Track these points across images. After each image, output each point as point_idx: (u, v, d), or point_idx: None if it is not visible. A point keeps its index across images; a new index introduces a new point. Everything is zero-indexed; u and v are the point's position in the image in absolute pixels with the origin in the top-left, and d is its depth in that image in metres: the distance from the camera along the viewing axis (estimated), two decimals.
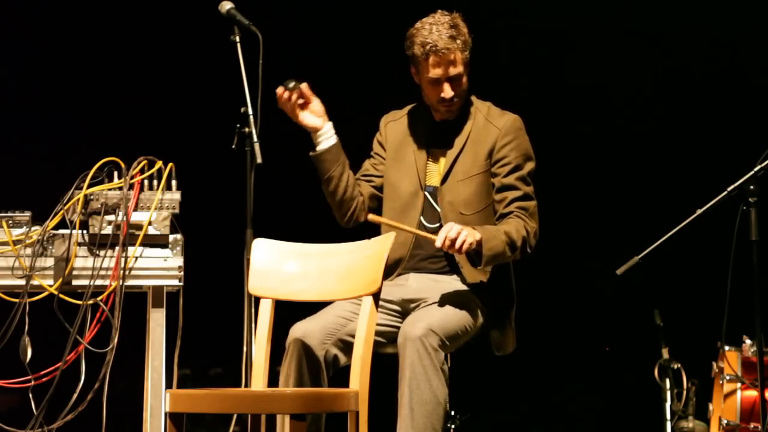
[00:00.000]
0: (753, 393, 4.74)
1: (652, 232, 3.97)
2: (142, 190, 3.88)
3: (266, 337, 3.50)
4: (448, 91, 3.92)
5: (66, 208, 3.84)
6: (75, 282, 3.83)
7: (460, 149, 3.97)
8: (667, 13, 6.02)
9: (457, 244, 3.68)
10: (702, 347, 5.19)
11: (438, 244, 3.70)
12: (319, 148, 3.99)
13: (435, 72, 3.91)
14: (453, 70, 3.90)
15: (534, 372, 5.83)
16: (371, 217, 3.85)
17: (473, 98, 4.05)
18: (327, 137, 3.98)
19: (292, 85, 3.90)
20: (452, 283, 3.90)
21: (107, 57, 5.79)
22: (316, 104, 3.96)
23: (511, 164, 3.94)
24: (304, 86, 3.93)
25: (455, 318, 3.73)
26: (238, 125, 3.80)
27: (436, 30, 3.88)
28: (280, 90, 3.91)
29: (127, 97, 5.77)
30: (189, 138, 5.59)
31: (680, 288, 5.85)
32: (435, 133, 4.03)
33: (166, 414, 3.21)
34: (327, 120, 3.98)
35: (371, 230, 3.93)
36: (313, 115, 3.96)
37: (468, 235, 3.69)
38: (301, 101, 3.93)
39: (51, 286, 3.80)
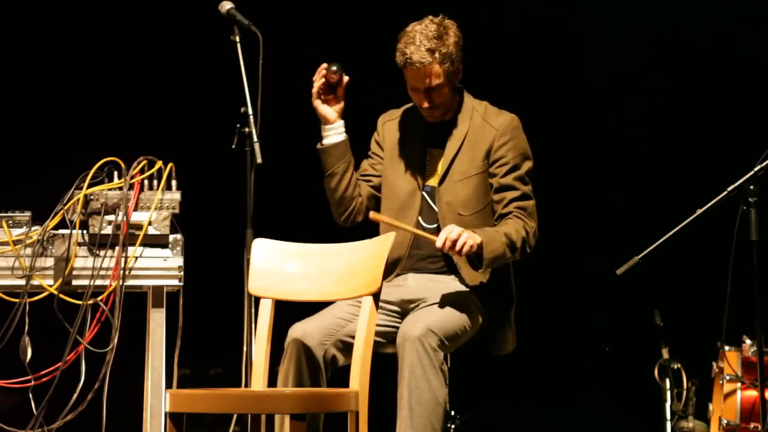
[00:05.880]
0: (753, 393, 4.74)
1: (652, 232, 3.97)
2: (142, 190, 3.87)
3: (266, 337, 3.50)
4: (423, 102, 3.91)
5: (66, 208, 3.83)
6: (75, 282, 3.83)
7: (457, 149, 3.96)
8: (666, 12, 6.02)
9: (458, 246, 3.67)
10: (702, 347, 5.18)
11: (438, 244, 3.69)
12: (327, 141, 3.99)
13: (411, 83, 3.91)
14: (430, 82, 3.87)
15: (534, 372, 5.83)
16: (372, 215, 3.83)
17: (470, 98, 4.03)
18: (337, 133, 3.99)
19: (335, 68, 3.91)
20: (451, 283, 3.90)
21: (107, 57, 5.79)
22: (340, 104, 3.98)
23: (508, 164, 3.93)
24: (344, 80, 3.94)
25: (454, 318, 3.73)
26: (238, 125, 3.81)
27: (418, 40, 3.83)
28: (324, 65, 3.92)
29: (126, 97, 5.77)
30: (189, 138, 5.59)
31: (680, 288, 5.84)
32: (432, 133, 4.02)
33: (166, 414, 3.21)
34: (340, 119, 4.00)
35: (371, 230, 3.92)
36: (332, 109, 3.98)
37: (468, 238, 3.68)
38: (329, 95, 3.95)
39: (51, 286, 3.79)
